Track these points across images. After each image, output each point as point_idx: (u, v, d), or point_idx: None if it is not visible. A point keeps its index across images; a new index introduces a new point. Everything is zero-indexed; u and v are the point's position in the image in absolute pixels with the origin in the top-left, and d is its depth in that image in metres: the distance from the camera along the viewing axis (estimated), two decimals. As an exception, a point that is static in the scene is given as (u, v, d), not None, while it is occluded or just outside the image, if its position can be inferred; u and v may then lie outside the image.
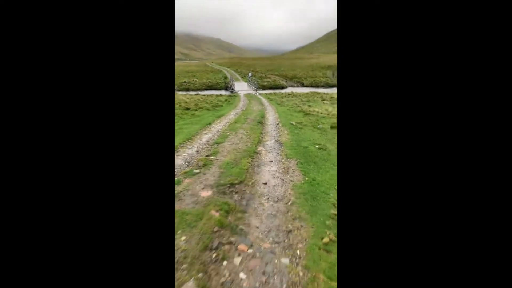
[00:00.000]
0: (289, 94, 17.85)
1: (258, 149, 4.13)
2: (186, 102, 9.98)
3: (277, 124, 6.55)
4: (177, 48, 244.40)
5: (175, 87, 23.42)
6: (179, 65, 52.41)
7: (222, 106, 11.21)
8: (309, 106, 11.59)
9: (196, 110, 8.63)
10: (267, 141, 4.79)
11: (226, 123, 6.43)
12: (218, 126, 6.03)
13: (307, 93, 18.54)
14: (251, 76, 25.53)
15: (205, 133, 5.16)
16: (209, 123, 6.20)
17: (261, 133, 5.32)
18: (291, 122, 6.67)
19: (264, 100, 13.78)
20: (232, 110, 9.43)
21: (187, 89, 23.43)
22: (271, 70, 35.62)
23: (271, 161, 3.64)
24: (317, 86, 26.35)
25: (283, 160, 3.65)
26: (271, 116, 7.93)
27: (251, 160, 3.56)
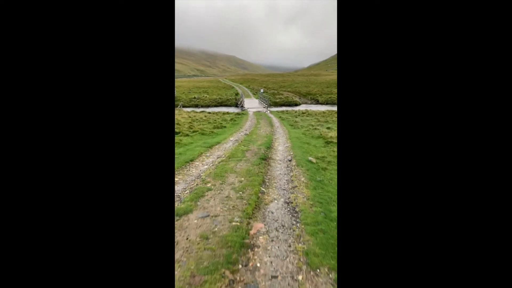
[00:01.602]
0: (303, 113, 15.90)
1: (251, 233, 2.18)
2: (179, 124, 8.22)
3: (289, 161, 4.60)
4: (193, 65, 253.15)
5: (183, 103, 22.46)
6: (193, 81, 52.42)
7: (224, 127, 9.44)
8: (328, 128, 9.58)
9: (187, 135, 6.82)
10: (271, 202, 2.84)
11: (217, 158, 4.56)
12: (203, 165, 4.16)
13: (323, 112, 16.50)
14: (263, 92, 24.06)
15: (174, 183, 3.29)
16: (192, 160, 4.34)
17: (263, 183, 3.38)
18: (310, 158, 4.71)
19: (274, 120, 11.92)
20: (233, 133, 7.60)
21: (196, 105, 22.23)
22: (284, 87, 34.08)
23: (275, 277, 1.69)
24: (333, 104, 24.19)
25: (301, 279, 1.67)
26: (281, 146, 5.99)
27: (231, 281, 1.61)
